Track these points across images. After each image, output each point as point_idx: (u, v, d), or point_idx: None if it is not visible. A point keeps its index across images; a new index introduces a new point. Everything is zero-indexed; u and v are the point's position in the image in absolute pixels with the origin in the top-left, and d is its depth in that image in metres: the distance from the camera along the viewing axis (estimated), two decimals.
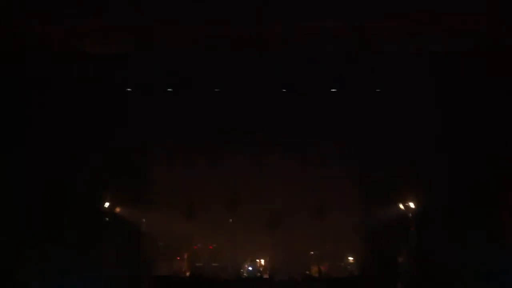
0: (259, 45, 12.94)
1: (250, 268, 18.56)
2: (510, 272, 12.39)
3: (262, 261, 19.02)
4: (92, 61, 13.27)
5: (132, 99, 15.17)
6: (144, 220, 18.03)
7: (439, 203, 15.19)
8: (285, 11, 12.26)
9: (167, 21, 12.68)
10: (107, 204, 16.78)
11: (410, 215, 17.02)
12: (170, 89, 15.51)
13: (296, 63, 13.70)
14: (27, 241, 13.06)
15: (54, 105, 13.82)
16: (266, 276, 18.21)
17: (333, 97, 15.37)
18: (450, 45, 12.98)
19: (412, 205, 17.03)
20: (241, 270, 18.55)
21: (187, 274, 17.95)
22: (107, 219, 16.68)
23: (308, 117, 15.79)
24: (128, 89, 15.46)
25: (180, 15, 12.38)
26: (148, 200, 17.66)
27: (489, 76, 13.23)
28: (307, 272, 18.06)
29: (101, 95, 14.44)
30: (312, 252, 18.47)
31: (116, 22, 12.68)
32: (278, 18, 12.53)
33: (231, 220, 18.48)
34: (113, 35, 12.92)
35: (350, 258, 18.37)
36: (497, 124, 13.77)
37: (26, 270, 13.01)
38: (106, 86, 14.43)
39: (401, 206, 17.36)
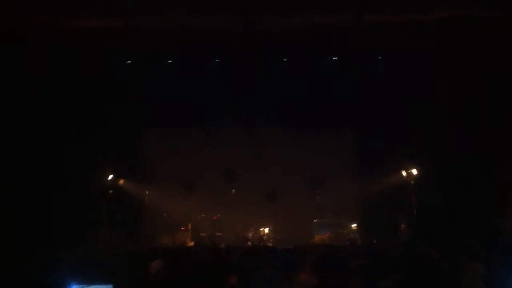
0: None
1: None
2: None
3: (266, 230, 19.19)
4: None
5: (128, 73, 15.19)
6: (147, 192, 18.30)
7: (439, 170, 15.18)
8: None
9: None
10: (109, 178, 17.04)
11: (412, 182, 17.06)
12: (170, 61, 15.57)
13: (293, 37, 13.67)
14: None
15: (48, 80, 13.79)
16: (270, 244, 18.37)
17: (328, 68, 15.30)
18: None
19: (413, 172, 17.03)
20: (246, 238, 18.74)
21: (191, 244, 18.14)
22: (110, 192, 16.94)
23: (305, 88, 15.72)
24: (128, 62, 15.49)
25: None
26: (150, 174, 17.91)
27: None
28: (311, 240, 18.19)
29: (96, 69, 14.45)
30: (315, 221, 18.56)
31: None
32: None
33: (233, 190, 18.65)
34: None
35: (353, 225, 18.46)
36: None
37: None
38: (99, 60, 14.40)
39: (403, 173, 17.37)
